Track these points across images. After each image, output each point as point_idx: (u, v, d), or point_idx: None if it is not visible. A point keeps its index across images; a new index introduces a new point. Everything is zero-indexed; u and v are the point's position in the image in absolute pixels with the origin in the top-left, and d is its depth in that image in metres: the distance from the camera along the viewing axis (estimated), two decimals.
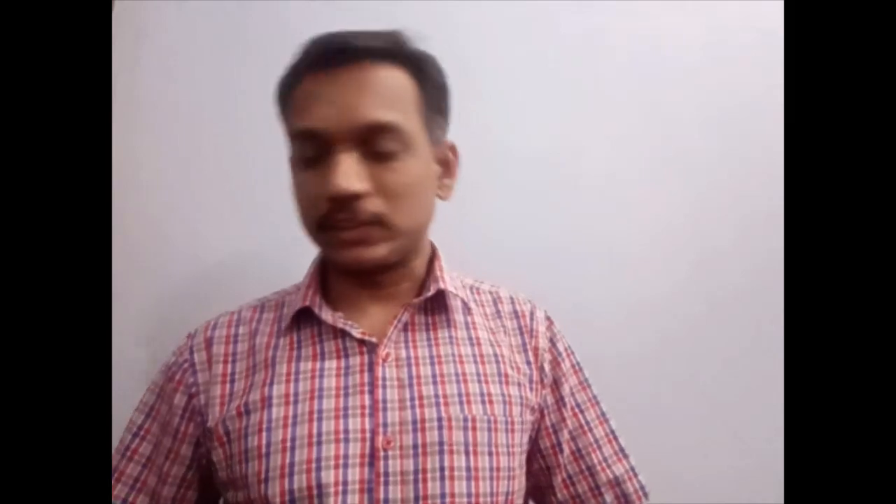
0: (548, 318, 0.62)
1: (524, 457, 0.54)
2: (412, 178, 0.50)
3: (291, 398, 0.49)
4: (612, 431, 0.59)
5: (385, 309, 0.55)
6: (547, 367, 0.58)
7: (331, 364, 0.51)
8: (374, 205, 0.49)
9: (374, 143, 0.48)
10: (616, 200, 0.94)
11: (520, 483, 0.52)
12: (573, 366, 0.61)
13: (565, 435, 0.57)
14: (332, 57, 0.50)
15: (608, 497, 0.56)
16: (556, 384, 0.58)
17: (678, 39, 0.99)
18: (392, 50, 0.52)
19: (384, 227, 0.49)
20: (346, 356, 0.51)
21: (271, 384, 0.50)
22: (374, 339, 0.52)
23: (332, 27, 0.91)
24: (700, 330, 0.92)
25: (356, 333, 0.52)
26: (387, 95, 0.49)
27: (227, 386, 0.52)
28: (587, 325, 0.88)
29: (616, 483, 0.57)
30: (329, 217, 0.49)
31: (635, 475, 0.58)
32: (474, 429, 0.49)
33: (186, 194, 0.83)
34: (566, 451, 0.57)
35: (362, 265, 0.51)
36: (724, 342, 0.92)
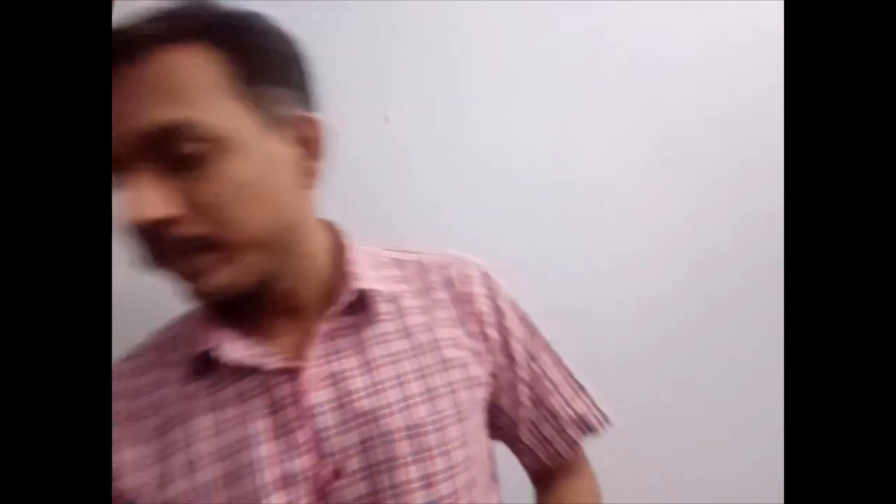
0: (484, 274, 0.57)
1: (482, 435, 0.53)
2: (240, 179, 0.40)
3: (221, 455, 0.43)
4: (568, 372, 0.59)
5: (298, 321, 0.48)
6: (492, 330, 0.54)
7: (256, 403, 0.45)
8: (190, 227, 0.40)
9: (169, 150, 0.38)
10: (616, 200, 0.94)
11: (481, 466, 0.51)
12: (518, 317, 0.57)
13: (523, 389, 0.56)
14: (119, 55, 0.38)
15: (572, 433, 0.57)
16: (505, 342, 0.55)
17: (678, 39, 0.99)
18: (186, 27, 0.40)
19: (215, 249, 0.41)
20: (270, 390, 0.45)
21: (193, 443, 0.44)
22: (295, 365, 0.45)
23: (332, 27, 0.91)
24: (700, 330, 0.92)
25: (274, 364, 0.45)
26: (171, 87, 0.38)
27: (133, 450, 0.44)
28: (587, 324, 0.88)
29: (579, 419, 0.58)
30: (150, 248, 0.41)
31: (596, 407, 0.59)
32: (424, 434, 0.45)
33: None
34: (527, 402, 0.56)
35: (209, 298, 0.43)
36: (724, 342, 0.92)
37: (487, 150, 0.88)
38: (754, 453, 0.89)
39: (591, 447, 0.90)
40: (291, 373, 0.45)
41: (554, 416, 0.57)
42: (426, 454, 0.45)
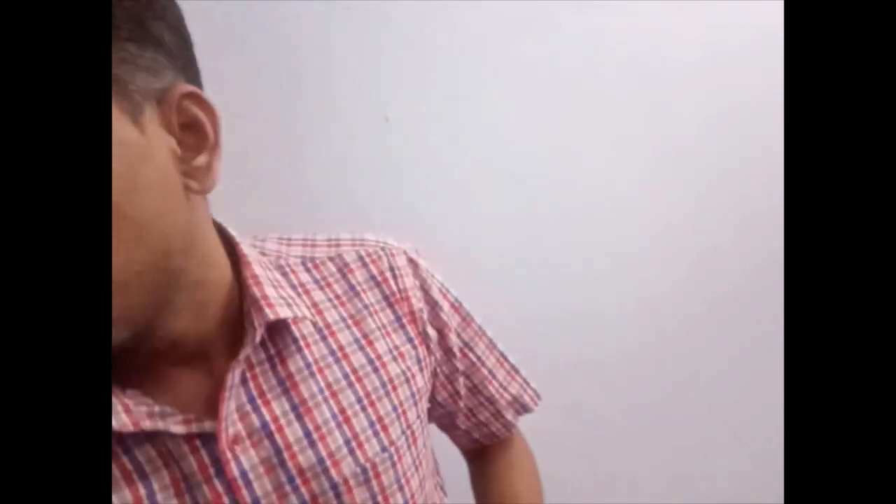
0: (411, 262, 0.48)
1: (426, 436, 0.48)
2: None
3: None
4: (502, 355, 0.55)
5: (199, 366, 0.37)
6: (429, 328, 0.48)
7: (160, 480, 0.34)
8: None
9: None
10: (616, 200, 0.94)
11: (429, 470, 0.48)
12: (451, 305, 0.51)
13: (460, 380, 0.52)
14: None
15: (508, 415, 0.56)
16: (441, 336, 0.49)
17: (678, 39, 0.99)
18: None
19: None
20: (178, 461, 0.35)
21: None
22: (207, 427, 0.35)
23: (331, 27, 0.91)
24: (700, 330, 0.92)
25: (179, 428, 0.34)
26: None
27: None
28: (587, 325, 0.88)
29: (515, 401, 0.56)
30: None
31: (529, 385, 0.57)
32: (377, 475, 0.39)
33: None
34: (464, 392, 0.53)
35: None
36: (724, 342, 0.93)
37: (487, 150, 0.88)
38: (754, 453, 0.89)
39: (591, 447, 0.90)
40: (203, 437, 0.35)
41: (490, 401, 0.55)
42: (383, 494, 0.40)
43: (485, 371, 0.54)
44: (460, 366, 0.52)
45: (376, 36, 0.92)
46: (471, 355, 0.52)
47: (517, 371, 0.57)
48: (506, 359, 0.56)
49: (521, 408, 0.57)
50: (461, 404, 0.54)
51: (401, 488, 0.41)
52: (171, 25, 0.33)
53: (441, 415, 0.54)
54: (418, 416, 0.44)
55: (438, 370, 0.50)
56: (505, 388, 0.55)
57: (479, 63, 0.93)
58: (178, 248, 0.33)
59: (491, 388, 0.54)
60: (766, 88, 0.96)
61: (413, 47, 0.91)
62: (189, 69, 0.35)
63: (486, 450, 0.59)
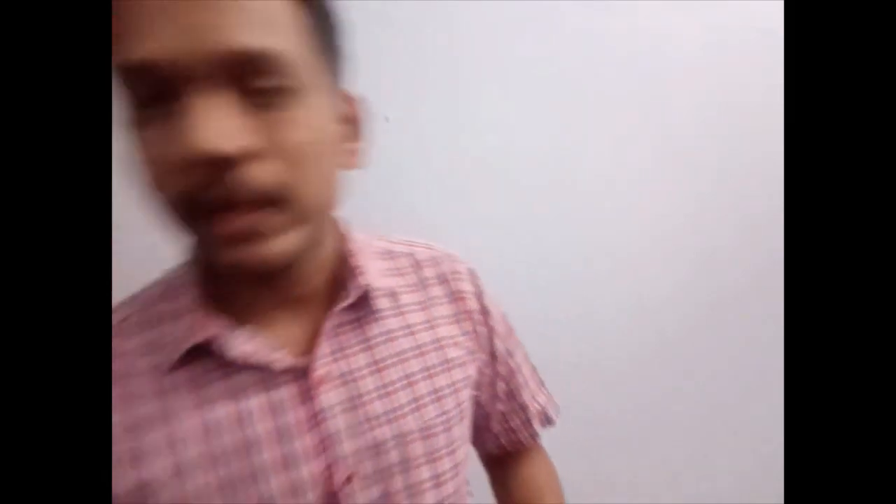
0: (470, 271, 0.55)
1: (469, 425, 0.54)
2: (312, 130, 0.35)
3: (215, 460, 0.38)
4: (533, 368, 0.61)
5: (298, 313, 0.43)
6: (480, 328, 0.53)
7: (253, 402, 0.39)
8: (266, 172, 0.33)
9: (250, 79, 0.32)
10: (616, 200, 0.94)
11: (465, 455, 0.52)
12: (500, 316, 0.56)
13: (500, 384, 0.56)
14: None
15: (535, 424, 0.60)
16: (490, 340, 0.54)
17: (678, 39, 0.99)
18: None
19: (284, 207, 0.34)
20: (271, 389, 0.40)
21: (178, 446, 0.37)
22: (303, 363, 0.41)
23: None
24: (700, 330, 0.92)
25: (283, 363, 0.40)
26: (261, 13, 0.32)
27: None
28: (588, 325, 0.88)
29: (542, 410, 0.60)
30: (196, 197, 0.32)
31: (553, 399, 0.62)
32: (433, 435, 0.45)
33: None
34: (502, 396, 0.57)
35: (259, 269, 0.35)
36: (724, 342, 0.93)
37: (487, 150, 0.88)
38: (754, 453, 0.89)
39: (591, 447, 0.90)
40: (296, 371, 0.41)
41: (523, 408, 0.59)
42: (436, 455, 0.45)
43: (520, 378, 0.58)
44: (501, 370, 0.56)
45: (376, 36, 0.92)
46: (511, 362, 0.57)
47: (544, 384, 0.62)
48: (535, 372, 0.62)
49: (546, 419, 0.61)
50: (498, 407, 0.58)
51: (450, 454, 0.46)
52: (345, 41, 0.43)
53: (478, 416, 0.57)
54: (467, 400, 0.50)
55: (482, 371, 0.54)
56: (535, 398, 0.60)
57: (479, 63, 0.93)
58: (334, 204, 0.41)
59: (524, 395, 0.58)
60: (766, 88, 0.96)
61: (413, 47, 0.91)
62: (346, 72, 0.43)
63: (510, 456, 0.62)
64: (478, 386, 0.55)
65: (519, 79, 0.95)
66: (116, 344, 0.40)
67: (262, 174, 0.33)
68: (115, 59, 0.33)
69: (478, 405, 0.57)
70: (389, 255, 0.51)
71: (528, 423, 0.60)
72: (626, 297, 0.92)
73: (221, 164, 0.31)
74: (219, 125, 0.31)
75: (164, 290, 0.43)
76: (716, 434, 0.90)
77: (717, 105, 0.98)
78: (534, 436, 0.61)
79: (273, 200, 0.34)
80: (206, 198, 0.32)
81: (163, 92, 0.32)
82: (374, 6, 0.92)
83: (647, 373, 0.90)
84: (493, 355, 0.55)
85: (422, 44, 0.92)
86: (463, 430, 0.49)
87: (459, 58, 0.90)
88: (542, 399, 0.61)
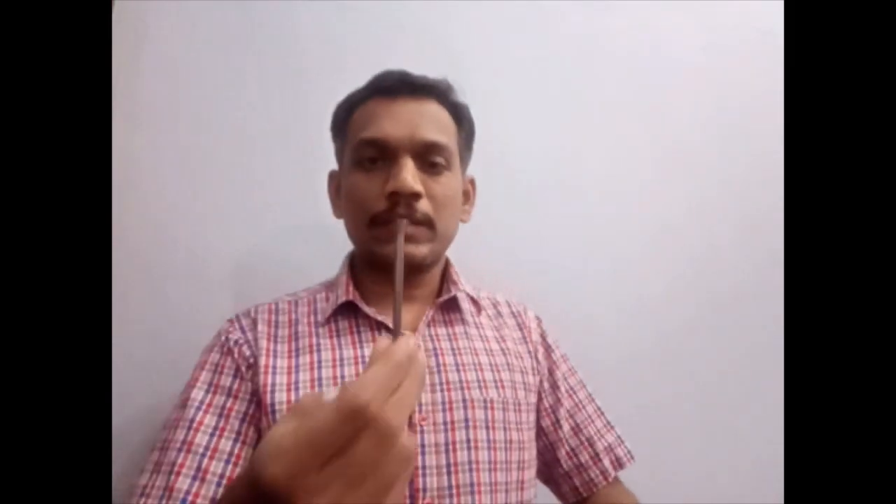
0: (537, 318, 0.72)
1: (532, 433, 0.63)
2: (452, 191, 0.61)
3: (338, 381, 0.55)
4: (599, 408, 0.69)
5: (410, 307, 0.62)
6: (540, 357, 0.68)
7: (367, 350, 0.57)
8: (425, 206, 0.58)
9: (428, 156, 0.59)
10: (616, 201, 0.94)
11: (530, 455, 0.60)
12: (562, 356, 0.70)
13: (563, 413, 0.66)
14: (399, 87, 0.61)
15: (606, 462, 0.65)
16: (550, 371, 0.68)
17: (678, 40, 0.99)
18: (442, 93, 0.63)
19: (430, 228, 0.58)
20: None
21: (319, 367, 0.56)
22: (408, 332, 0.58)
23: (333, 26, 0.91)
24: (700, 330, 0.92)
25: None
26: (440, 123, 0.61)
27: (271, 359, 0.57)
28: (588, 325, 0.88)
29: (610, 449, 0.66)
30: (385, 213, 0.57)
31: (623, 442, 0.67)
32: (492, 408, 0.57)
33: (187, 194, 0.83)
34: (566, 427, 0.66)
35: (409, 261, 0.56)
36: (724, 342, 0.92)
37: (487, 149, 0.88)
38: (754, 453, 0.89)
39: None
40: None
41: (590, 442, 0.65)
42: (492, 423, 0.57)
43: (585, 413, 0.67)
44: (565, 402, 0.66)
45: (376, 36, 0.92)
46: (574, 397, 0.67)
47: (612, 426, 0.68)
48: (602, 412, 0.69)
49: (616, 460, 0.66)
50: (563, 437, 0.65)
51: (505, 429, 0.57)
52: (472, 144, 0.69)
53: (544, 446, 0.66)
54: (526, 399, 0.62)
55: (545, 398, 0.66)
56: (602, 435, 0.66)
57: (479, 63, 0.93)
58: (453, 238, 0.65)
59: (591, 429, 0.66)
60: (766, 88, 0.96)
61: (413, 47, 0.91)
62: (469, 163, 0.69)
63: (587, 501, 0.66)
64: (541, 412, 0.66)
65: (519, 79, 0.95)
66: (292, 309, 0.63)
67: (423, 206, 0.58)
68: (360, 135, 0.59)
69: (542, 433, 0.65)
70: (475, 290, 0.69)
71: (596, 458, 0.65)
72: (626, 297, 0.92)
73: (409, 196, 0.56)
74: (413, 176, 0.57)
75: (326, 284, 0.66)
76: (716, 434, 0.90)
77: (717, 105, 0.98)
78: (605, 474, 0.65)
79: (426, 223, 0.58)
80: (393, 213, 0.56)
81: (380, 157, 0.59)
82: (375, 6, 0.92)
83: (647, 372, 0.90)
84: (554, 385, 0.67)
85: (422, 44, 0.92)
86: (519, 419, 0.59)
87: (459, 58, 0.90)
88: (610, 438, 0.66)
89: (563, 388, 0.67)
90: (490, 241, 0.87)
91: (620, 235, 0.94)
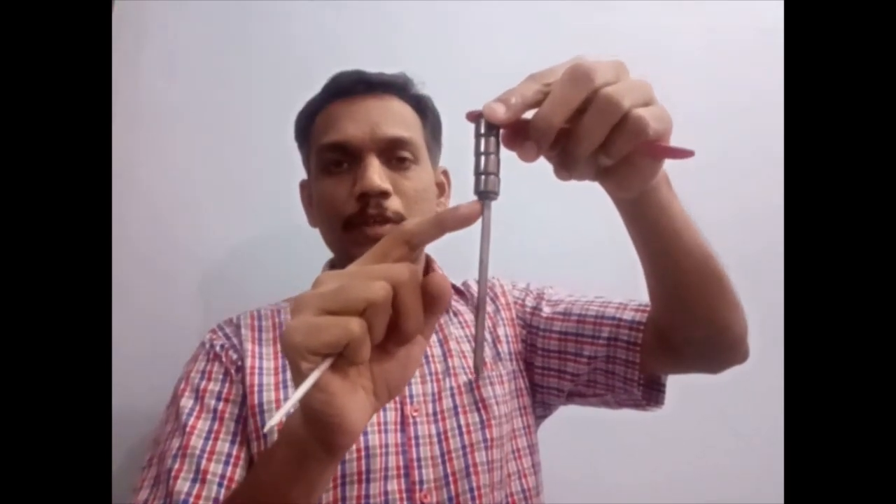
0: (500, 284, 0.72)
1: (521, 399, 0.64)
2: (423, 184, 0.60)
3: None
4: (593, 300, 0.65)
5: None
6: (521, 310, 0.68)
7: None
8: (395, 203, 0.57)
9: (393, 152, 0.58)
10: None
11: (523, 422, 0.63)
12: (527, 285, 0.72)
13: (557, 326, 0.64)
14: (356, 87, 0.61)
15: (630, 309, 0.62)
16: (522, 305, 0.69)
17: (679, 38, 0.99)
18: (401, 88, 0.62)
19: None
20: None
21: None
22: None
23: (333, 27, 0.91)
24: None
25: None
26: (401, 118, 0.60)
27: (257, 360, 0.57)
28: None
29: (625, 305, 0.63)
30: (357, 215, 0.57)
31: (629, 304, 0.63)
32: (478, 387, 0.59)
33: (187, 193, 0.83)
34: (557, 323, 0.64)
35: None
36: None
37: None
38: (754, 453, 0.89)
39: (591, 447, 0.90)
40: None
41: (604, 307, 0.62)
42: (481, 403, 0.58)
43: (567, 297, 0.66)
44: (557, 325, 0.64)
45: (376, 35, 0.92)
46: (545, 295, 0.69)
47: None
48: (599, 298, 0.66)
49: (640, 305, 0.61)
50: (555, 335, 0.63)
51: (497, 404, 0.59)
52: (441, 135, 0.68)
53: (547, 367, 0.64)
54: (513, 367, 0.64)
55: (538, 343, 0.65)
56: (608, 303, 0.63)
57: (479, 63, 0.93)
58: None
59: (578, 306, 0.64)
60: (767, 87, 0.96)
61: (413, 47, 0.91)
62: (440, 155, 0.69)
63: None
64: (529, 351, 0.66)
65: (519, 79, 0.95)
66: (275, 315, 0.63)
67: (394, 204, 0.57)
68: (322, 140, 0.60)
69: (538, 355, 0.64)
70: (463, 285, 0.72)
71: (622, 307, 0.62)
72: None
73: (378, 195, 0.56)
74: (379, 174, 0.56)
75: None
76: (716, 434, 0.90)
77: (717, 104, 0.98)
78: (641, 308, 0.61)
79: (398, 220, 0.56)
80: (365, 215, 0.56)
81: (345, 159, 0.58)
82: (375, 6, 0.92)
83: None
84: (535, 309, 0.67)
85: (422, 43, 0.92)
86: (504, 390, 0.60)
87: (460, 58, 0.90)
88: (610, 308, 0.63)
89: (545, 308, 0.66)
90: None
91: (620, 235, 0.93)
